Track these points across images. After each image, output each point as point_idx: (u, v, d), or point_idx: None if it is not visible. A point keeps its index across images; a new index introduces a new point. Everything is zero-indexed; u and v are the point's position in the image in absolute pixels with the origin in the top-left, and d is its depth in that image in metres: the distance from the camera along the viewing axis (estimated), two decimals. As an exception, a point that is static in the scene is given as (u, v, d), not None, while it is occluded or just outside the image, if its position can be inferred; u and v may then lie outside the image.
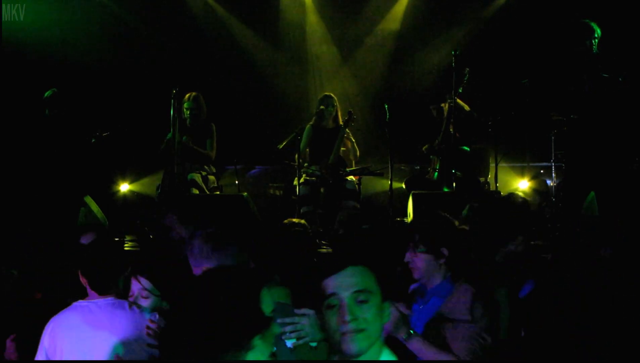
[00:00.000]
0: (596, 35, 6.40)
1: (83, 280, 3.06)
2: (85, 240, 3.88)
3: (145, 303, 3.06)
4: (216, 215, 6.29)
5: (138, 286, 3.07)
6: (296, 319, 2.46)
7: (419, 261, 3.18)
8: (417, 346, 2.75)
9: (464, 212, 5.09)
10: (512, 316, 3.38)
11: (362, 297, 2.07)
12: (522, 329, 3.44)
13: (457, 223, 3.35)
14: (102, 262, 3.05)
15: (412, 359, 2.78)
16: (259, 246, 3.79)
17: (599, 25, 6.40)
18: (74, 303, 3.04)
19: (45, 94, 7.10)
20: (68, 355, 2.88)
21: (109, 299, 3.02)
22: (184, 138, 7.09)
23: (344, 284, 2.08)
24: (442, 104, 7.37)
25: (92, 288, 3.03)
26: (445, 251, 3.15)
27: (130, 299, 3.10)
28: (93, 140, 7.07)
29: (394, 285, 3.17)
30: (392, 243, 3.27)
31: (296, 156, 6.91)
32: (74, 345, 2.89)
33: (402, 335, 2.72)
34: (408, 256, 3.21)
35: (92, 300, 3.02)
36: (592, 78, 6.36)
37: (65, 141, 7.03)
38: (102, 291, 3.03)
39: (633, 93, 6.33)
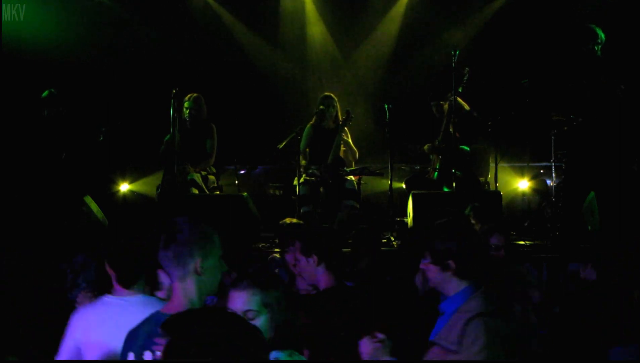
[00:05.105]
0: (599, 41, 6.41)
1: (110, 272, 3.03)
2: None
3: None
4: (216, 215, 6.30)
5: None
6: None
7: (429, 272, 2.86)
8: None
9: (466, 212, 5.11)
10: None
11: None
12: None
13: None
14: (133, 255, 3.02)
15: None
16: None
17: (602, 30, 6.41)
18: (103, 298, 3.02)
19: (43, 94, 7.09)
20: (104, 349, 2.86)
21: (139, 296, 2.98)
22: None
23: None
24: (442, 102, 7.36)
25: (119, 281, 3.00)
26: (452, 264, 2.78)
27: (159, 294, 3.06)
28: (101, 137, 7.08)
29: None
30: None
31: (299, 156, 6.90)
32: (109, 341, 2.84)
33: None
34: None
35: (122, 297, 2.98)
36: (592, 82, 6.37)
37: (64, 141, 7.03)
38: (128, 285, 3.00)
39: (632, 96, 6.34)
